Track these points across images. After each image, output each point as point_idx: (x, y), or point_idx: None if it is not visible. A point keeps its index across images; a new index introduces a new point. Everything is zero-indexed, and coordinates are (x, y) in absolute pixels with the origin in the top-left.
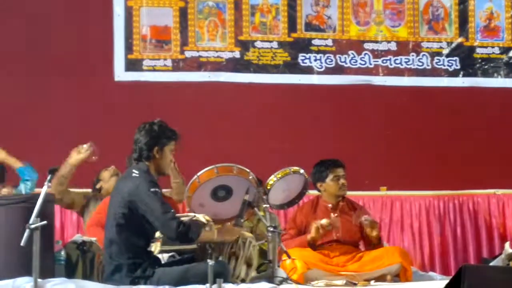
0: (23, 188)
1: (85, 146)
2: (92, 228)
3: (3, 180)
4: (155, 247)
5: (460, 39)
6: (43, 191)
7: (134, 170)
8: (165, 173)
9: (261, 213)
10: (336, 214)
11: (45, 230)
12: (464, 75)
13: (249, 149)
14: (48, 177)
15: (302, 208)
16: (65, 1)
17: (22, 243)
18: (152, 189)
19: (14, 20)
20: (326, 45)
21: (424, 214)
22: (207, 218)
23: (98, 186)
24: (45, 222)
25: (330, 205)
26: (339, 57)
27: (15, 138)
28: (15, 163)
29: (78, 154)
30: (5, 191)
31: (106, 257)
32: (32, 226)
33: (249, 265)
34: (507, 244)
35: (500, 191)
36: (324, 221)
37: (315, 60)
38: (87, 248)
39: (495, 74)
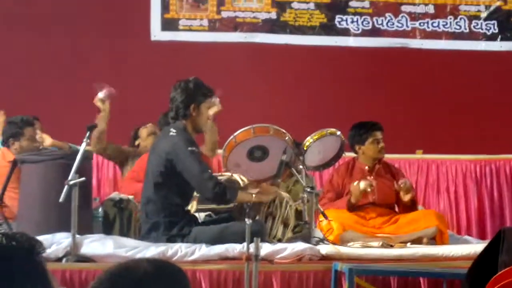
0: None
1: (100, 94)
2: (127, 182)
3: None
4: (192, 206)
5: (498, 3)
6: (81, 147)
7: (171, 129)
8: (202, 131)
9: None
10: (372, 177)
11: (83, 186)
12: (502, 39)
13: (285, 110)
14: (87, 134)
15: (338, 170)
16: None
17: (60, 199)
18: (190, 148)
19: None
20: (363, 7)
21: (460, 178)
22: (243, 178)
23: (136, 143)
24: (83, 178)
25: (366, 168)
26: (376, 20)
27: (54, 97)
28: (63, 146)
29: (103, 104)
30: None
31: (143, 215)
32: (71, 182)
33: (285, 225)
34: None
35: None
36: (362, 184)
37: (352, 22)
38: (124, 205)
39: None
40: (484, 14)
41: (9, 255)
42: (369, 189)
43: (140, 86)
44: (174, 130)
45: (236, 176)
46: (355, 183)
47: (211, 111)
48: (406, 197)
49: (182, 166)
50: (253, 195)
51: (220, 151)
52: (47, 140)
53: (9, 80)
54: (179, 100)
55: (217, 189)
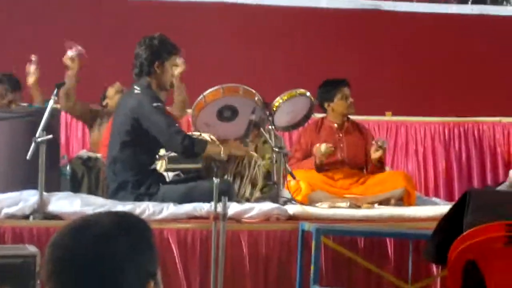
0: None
1: (70, 53)
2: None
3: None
4: (160, 166)
5: None
6: (49, 105)
7: (135, 87)
8: (166, 88)
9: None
10: (341, 134)
11: (51, 144)
12: (473, 2)
13: (257, 70)
14: (55, 91)
15: (306, 129)
16: None
17: (28, 157)
18: (155, 104)
19: None
20: None
21: (429, 140)
22: (213, 137)
23: (104, 103)
24: (51, 136)
25: (335, 125)
26: None
27: (26, 53)
28: (37, 98)
29: (73, 63)
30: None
31: (110, 174)
32: (39, 139)
33: (253, 185)
34: (511, 172)
35: (505, 119)
36: (323, 148)
37: None
38: (92, 164)
39: (504, 2)
40: None
41: None
42: (328, 150)
43: (115, 46)
44: (139, 88)
45: (205, 136)
46: (317, 145)
47: (176, 71)
48: (376, 154)
49: (148, 122)
50: (222, 148)
51: (189, 111)
52: (31, 79)
53: None
54: (143, 56)
55: (186, 142)
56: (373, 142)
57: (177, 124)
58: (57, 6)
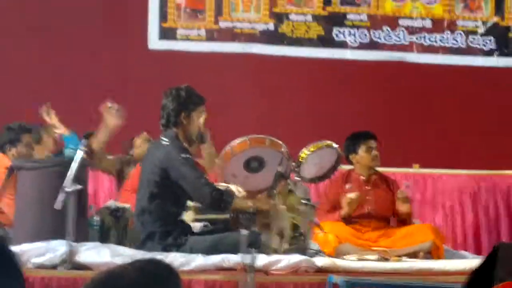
0: (67, 153)
1: (117, 107)
2: (126, 194)
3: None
4: (188, 216)
5: (495, 19)
6: (78, 155)
7: (163, 138)
8: (193, 139)
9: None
10: (368, 187)
11: (80, 194)
12: (499, 55)
13: (281, 122)
14: (84, 142)
15: (333, 182)
16: None
17: (57, 207)
18: (183, 155)
19: None
20: (361, 20)
21: (456, 193)
22: (240, 189)
23: (131, 153)
24: (80, 186)
25: (362, 178)
26: (373, 33)
27: (53, 107)
28: (64, 131)
29: (113, 118)
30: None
31: (138, 225)
32: (68, 189)
33: (281, 236)
34: None
35: None
36: (352, 195)
37: (349, 34)
38: (121, 214)
39: None
40: (481, 30)
41: None
42: (354, 196)
43: (137, 95)
44: (166, 139)
45: (232, 187)
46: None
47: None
48: (402, 207)
49: (177, 174)
50: (249, 202)
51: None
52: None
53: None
54: (170, 107)
55: (214, 195)
56: (398, 195)
57: (205, 176)
58: (82, 56)
